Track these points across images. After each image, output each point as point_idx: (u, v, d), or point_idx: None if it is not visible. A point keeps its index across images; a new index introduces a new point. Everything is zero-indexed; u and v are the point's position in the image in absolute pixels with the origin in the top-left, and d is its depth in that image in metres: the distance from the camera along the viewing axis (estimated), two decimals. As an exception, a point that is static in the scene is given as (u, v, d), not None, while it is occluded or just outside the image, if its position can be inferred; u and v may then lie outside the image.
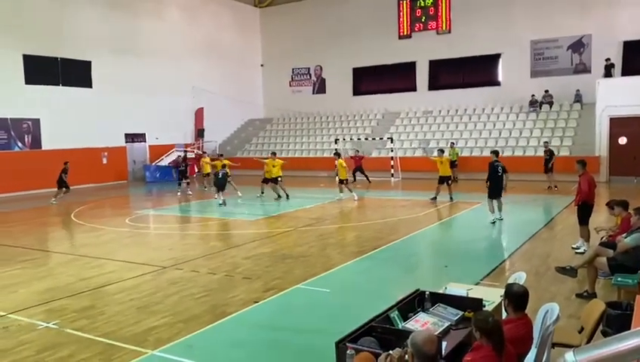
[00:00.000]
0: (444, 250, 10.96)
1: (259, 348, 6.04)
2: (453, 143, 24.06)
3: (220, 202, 17.49)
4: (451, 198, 16.77)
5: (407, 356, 3.17)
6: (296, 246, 11.10)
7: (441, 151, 18.06)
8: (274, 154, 20.23)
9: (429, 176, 23.37)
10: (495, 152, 13.66)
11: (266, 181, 19.25)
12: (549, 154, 20.00)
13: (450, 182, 17.10)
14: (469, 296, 5.01)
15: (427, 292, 4.94)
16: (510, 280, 5.38)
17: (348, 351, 3.69)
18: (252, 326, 6.80)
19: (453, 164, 23.24)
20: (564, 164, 19.72)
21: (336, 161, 18.48)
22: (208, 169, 22.91)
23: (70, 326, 6.76)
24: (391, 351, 3.28)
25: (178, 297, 7.87)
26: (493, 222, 12.82)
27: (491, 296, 5.12)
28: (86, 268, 9.75)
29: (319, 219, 14.61)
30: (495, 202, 13.06)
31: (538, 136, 24.09)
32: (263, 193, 19.49)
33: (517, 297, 4.14)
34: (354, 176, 23.13)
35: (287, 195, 18.58)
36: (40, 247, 12.21)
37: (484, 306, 4.72)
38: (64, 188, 19.74)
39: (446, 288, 5.38)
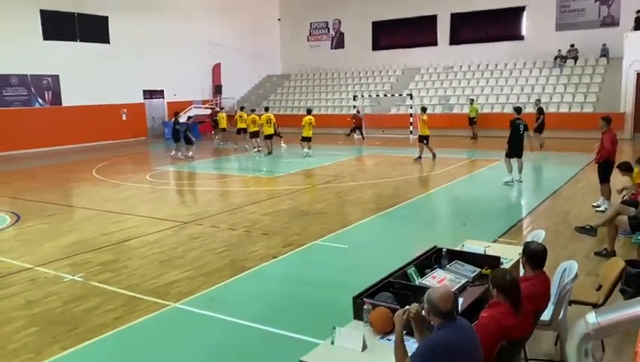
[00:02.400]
0: (463, 207, 10.93)
1: (277, 302, 6.17)
2: (472, 100, 23.62)
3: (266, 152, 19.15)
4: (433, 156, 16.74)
5: (423, 311, 3.20)
6: (314, 203, 11.17)
7: (424, 109, 17.22)
8: (267, 109, 20.91)
9: (448, 133, 23.17)
10: (517, 109, 12.97)
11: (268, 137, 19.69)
12: (540, 112, 19.05)
13: (426, 141, 16.53)
14: (487, 253, 5.02)
15: (444, 249, 4.95)
16: (529, 238, 5.36)
17: (365, 306, 3.74)
18: (271, 280, 6.93)
19: (472, 121, 22.92)
20: (588, 121, 19.29)
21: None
22: (225, 124, 23.28)
23: (95, 279, 6.97)
24: (408, 306, 3.32)
25: (199, 252, 8.03)
26: (510, 183, 12.41)
27: (509, 254, 5.11)
28: (108, 223, 9.96)
29: (337, 176, 14.61)
30: (515, 162, 12.51)
31: (562, 92, 23.52)
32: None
33: (535, 255, 4.13)
34: (351, 133, 24.38)
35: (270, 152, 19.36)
36: (63, 203, 12.47)
37: (502, 263, 4.73)
38: None
39: (463, 245, 5.38)
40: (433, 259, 4.93)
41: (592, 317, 2.19)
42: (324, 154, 18.78)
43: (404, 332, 3.31)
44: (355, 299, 3.90)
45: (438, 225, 9.91)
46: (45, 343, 5.21)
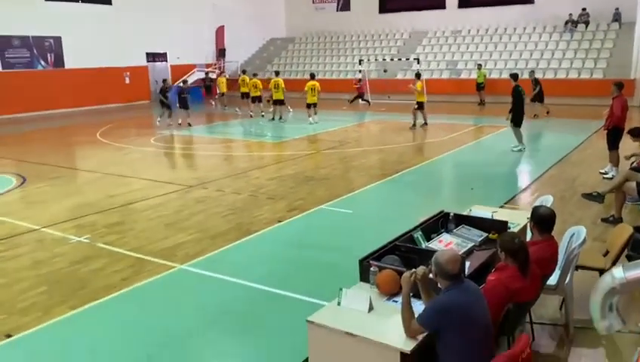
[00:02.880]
0: (470, 173, 10.85)
1: (283, 264, 6.19)
2: (480, 65, 23.23)
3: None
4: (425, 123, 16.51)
5: (430, 274, 3.19)
6: (319, 168, 11.12)
7: (418, 75, 16.99)
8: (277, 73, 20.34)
9: (456, 100, 22.89)
10: (514, 76, 12.53)
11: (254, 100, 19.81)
12: (536, 83, 17.90)
13: (419, 107, 16.24)
14: (494, 218, 4.99)
15: (451, 214, 4.92)
16: (536, 204, 5.32)
17: (371, 268, 3.73)
18: (276, 243, 6.95)
19: (480, 87, 22.59)
20: (598, 87, 19.01)
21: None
22: (224, 88, 23.17)
23: (101, 241, 7.00)
24: (415, 269, 3.31)
25: (204, 215, 8.04)
26: (519, 149, 12.31)
27: (517, 219, 5.08)
28: (113, 186, 9.97)
29: (342, 141, 14.52)
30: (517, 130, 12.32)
31: (571, 57, 23.09)
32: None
33: (544, 219, 4.09)
34: (356, 100, 23.58)
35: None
36: (68, 165, 12.47)
37: (509, 228, 4.70)
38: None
39: (470, 210, 5.35)
40: (440, 223, 4.90)
41: (619, 272, 2.17)
42: (329, 120, 18.63)
43: (411, 294, 3.31)
44: (361, 261, 3.89)
45: (445, 191, 9.87)
46: (53, 303, 5.27)
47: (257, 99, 20.13)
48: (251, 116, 20.24)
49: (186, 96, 18.57)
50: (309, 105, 18.16)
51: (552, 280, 4.31)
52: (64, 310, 5.10)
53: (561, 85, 21.39)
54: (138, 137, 16.17)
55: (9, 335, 4.63)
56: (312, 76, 19.03)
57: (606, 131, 9.73)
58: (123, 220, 7.95)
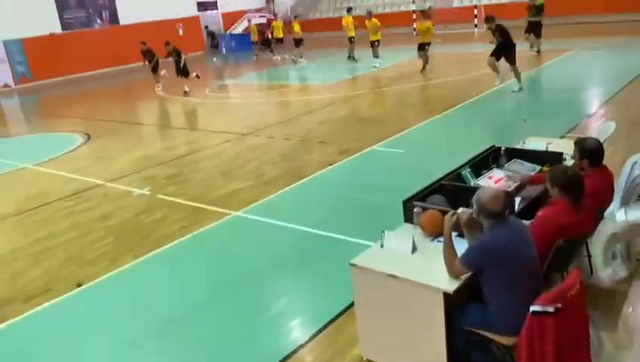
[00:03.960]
0: (528, 103, 10.33)
1: (334, 208, 6.23)
2: None
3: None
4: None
5: (473, 213, 3.10)
6: (371, 108, 10.94)
7: (423, 12, 15.25)
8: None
9: (515, 24, 21.51)
10: (490, 19, 10.91)
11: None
12: (536, 10, 15.11)
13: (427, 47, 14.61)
14: (549, 149, 4.74)
15: (502, 148, 4.72)
16: (598, 131, 5.00)
17: (415, 209, 3.67)
18: (327, 187, 6.98)
19: (539, 11, 20.04)
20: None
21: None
22: (280, 34, 21.65)
23: (161, 192, 7.30)
24: (458, 210, 3.22)
25: (257, 162, 8.16)
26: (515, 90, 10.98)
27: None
28: (172, 138, 10.28)
29: (396, 78, 14.14)
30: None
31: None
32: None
33: (592, 151, 3.80)
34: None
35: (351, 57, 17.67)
36: (129, 120, 12.91)
37: (565, 160, 4.46)
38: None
39: (524, 142, 5.11)
40: (491, 158, 4.73)
41: (621, 215, 1.99)
42: (385, 56, 18.08)
43: (456, 234, 3.24)
44: (405, 202, 3.83)
45: (500, 124, 9.47)
46: (120, 252, 5.60)
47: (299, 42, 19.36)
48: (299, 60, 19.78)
49: (183, 63, 15.29)
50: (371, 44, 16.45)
51: (611, 211, 4.09)
52: (129, 259, 5.41)
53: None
54: (194, 89, 16.40)
55: (79, 285, 4.98)
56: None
57: None
58: (181, 171, 8.22)
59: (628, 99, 9.35)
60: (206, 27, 18.34)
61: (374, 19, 16.32)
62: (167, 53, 15.39)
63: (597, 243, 2.58)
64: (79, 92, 18.72)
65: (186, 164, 8.61)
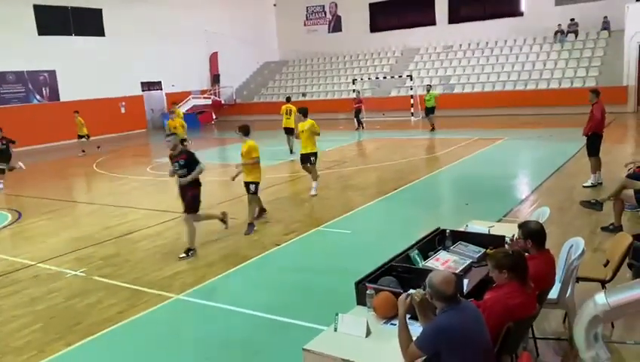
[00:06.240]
0: (466, 188, 10.82)
1: (280, 290, 6.10)
2: (430, 86, 21.77)
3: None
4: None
5: (427, 296, 3.12)
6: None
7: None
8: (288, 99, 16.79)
9: (450, 114, 22.96)
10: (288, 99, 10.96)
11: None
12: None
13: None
14: (491, 233, 4.93)
15: (448, 231, 4.87)
16: (534, 216, 5.27)
17: (368, 291, 3.67)
18: (273, 268, 6.86)
19: (430, 111, 19.71)
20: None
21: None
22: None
23: (97, 274, 6.92)
24: (412, 291, 3.24)
25: (201, 243, 7.96)
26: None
27: (513, 233, 5.01)
28: (110, 217, 9.91)
29: (338, 161, 14.51)
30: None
31: (563, 67, 23.26)
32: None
33: (536, 233, 4.00)
34: (357, 121, 21.64)
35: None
36: (64, 198, 12.41)
37: (507, 243, 4.63)
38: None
39: (467, 226, 5.29)
40: (437, 240, 4.85)
41: (601, 298, 2.05)
42: (325, 140, 18.56)
43: (409, 316, 3.24)
44: (357, 284, 3.82)
45: (442, 207, 9.81)
46: (49, 340, 5.17)
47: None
48: None
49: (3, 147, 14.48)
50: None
51: (553, 293, 4.24)
52: (59, 347, 5.00)
53: (554, 95, 21.52)
54: (134, 166, 16.17)
55: (2, 377, 4.53)
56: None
57: (586, 137, 9.79)
58: (119, 252, 7.87)
59: (556, 186, 9.97)
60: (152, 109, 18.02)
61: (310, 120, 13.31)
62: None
63: (579, 326, 2.61)
64: (11, 167, 17.94)
65: (125, 244, 8.28)
